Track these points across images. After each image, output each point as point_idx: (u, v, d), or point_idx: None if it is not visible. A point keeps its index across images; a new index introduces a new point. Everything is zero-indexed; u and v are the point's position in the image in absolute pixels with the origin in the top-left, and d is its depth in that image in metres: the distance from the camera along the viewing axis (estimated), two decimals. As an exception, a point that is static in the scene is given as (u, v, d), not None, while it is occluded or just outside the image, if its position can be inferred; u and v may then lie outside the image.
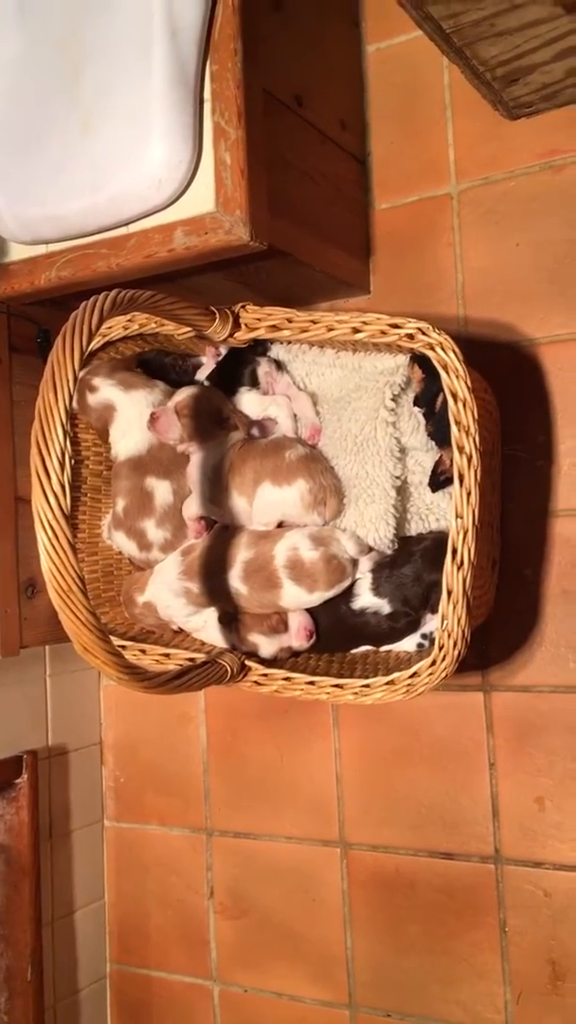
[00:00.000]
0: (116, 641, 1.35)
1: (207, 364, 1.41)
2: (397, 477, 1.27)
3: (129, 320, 1.34)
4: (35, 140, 1.26)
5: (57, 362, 0.97)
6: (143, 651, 1.34)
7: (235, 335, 1.25)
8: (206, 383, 1.38)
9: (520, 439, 1.41)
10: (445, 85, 1.46)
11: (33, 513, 0.95)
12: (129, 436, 1.39)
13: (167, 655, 1.33)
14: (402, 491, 1.29)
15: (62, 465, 0.95)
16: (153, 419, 1.33)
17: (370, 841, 1.50)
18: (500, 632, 1.41)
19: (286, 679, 1.24)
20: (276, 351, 1.35)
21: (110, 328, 1.36)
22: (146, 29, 1.15)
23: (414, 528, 1.31)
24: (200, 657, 1.28)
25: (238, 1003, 1.61)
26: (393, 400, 1.26)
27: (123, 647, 1.35)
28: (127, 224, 1.24)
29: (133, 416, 1.38)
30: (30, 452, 0.96)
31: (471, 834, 1.42)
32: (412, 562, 1.25)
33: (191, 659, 1.30)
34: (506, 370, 1.41)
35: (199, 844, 1.65)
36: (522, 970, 1.38)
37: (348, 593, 1.28)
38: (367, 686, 1.18)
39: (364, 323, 1.17)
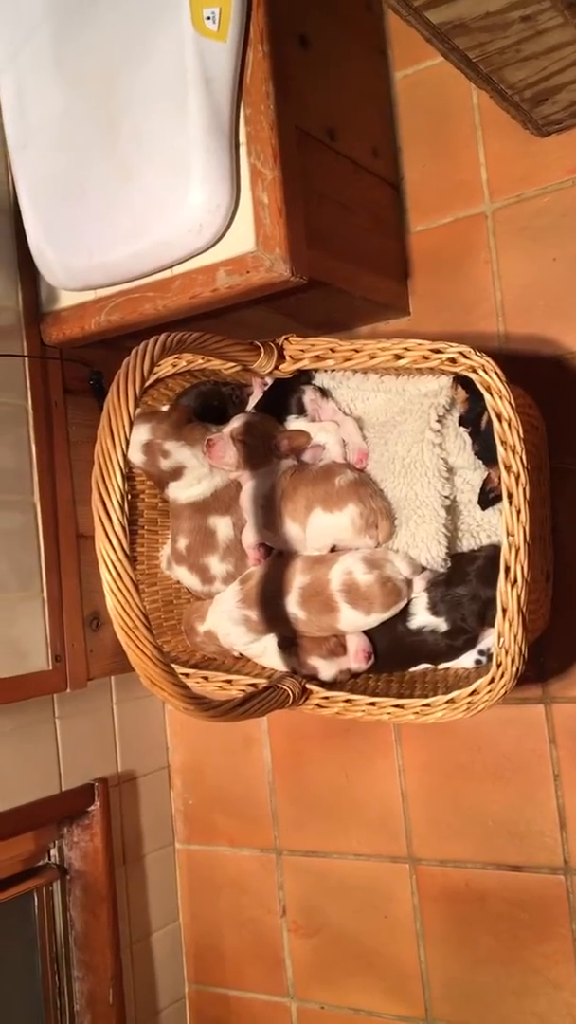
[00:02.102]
0: (179, 669, 1.39)
1: (255, 394, 1.45)
2: (446, 496, 1.28)
3: (177, 358, 1.38)
4: (78, 191, 1.31)
5: (113, 408, 1.01)
6: (206, 678, 1.38)
7: (280, 367, 1.28)
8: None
9: (567, 451, 1.42)
10: (474, 106, 1.48)
11: (97, 554, 0.99)
12: (197, 486, 1.42)
13: (229, 681, 1.36)
14: (452, 510, 1.30)
15: (122, 507, 0.99)
16: (209, 445, 1.36)
17: (438, 856, 1.52)
18: (558, 644, 1.42)
19: (347, 701, 1.26)
20: (320, 379, 1.38)
21: (159, 366, 1.40)
22: (180, 79, 1.20)
23: (466, 545, 1.33)
24: (262, 682, 1.31)
25: (316, 1020, 1.63)
26: (438, 421, 1.28)
27: (186, 675, 1.38)
28: (171, 267, 1.28)
29: (204, 471, 1.41)
30: (91, 496, 1.00)
31: (539, 846, 1.43)
32: (467, 582, 1.27)
33: (253, 684, 1.33)
34: (550, 384, 1.42)
35: (269, 864, 1.68)
36: (598, 981, 1.39)
37: (404, 613, 1.30)
38: (427, 705, 1.20)
39: (406, 349, 1.20)
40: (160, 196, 1.23)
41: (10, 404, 1.41)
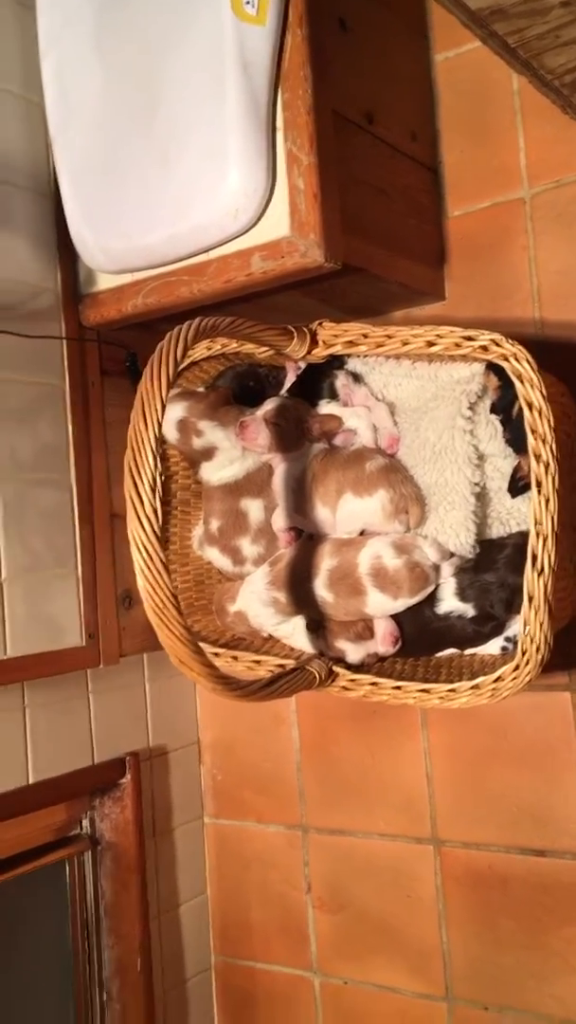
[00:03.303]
0: (209, 648, 1.41)
1: (290, 377, 1.46)
2: (476, 484, 1.29)
3: (212, 341, 1.39)
4: (117, 174, 1.32)
5: (146, 392, 1.03)
6: (235, 658, 1.40)
7: (313, 352, 1.29)
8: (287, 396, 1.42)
9: (600, 440, 1.41)
10: (514, 91, 1.47)
11: (129, 536, 1.02)
12: (228, 468, 1.44)
13: (258, 662, 1.38)
14: (482, 497, 1.31)
15: (153, 490, 1.01)
16: (242, 427, 1.37)
17: (462, 839, 1.53)
18: (586, 632, 1.42)
19: (373, 684, 1.28)
20: (353, 364, 1.39)
21: (194, 349, 1.42)
22: (218, 64, 1.20)
23: (495, 532, 1.33)
24: (289, 663, 1.33)
25: (339, 994, 1.66)
26: (470, 408, 1.28)
27: (216, 654, 1.40)
28: (207, 251, 1.29)
29: (236, 453, 1.43)
30: (124, 478, 1.02)
31: (563, 832, 1.44)
32: (495, 569, 1.27)
33: (281, 665, 1.35)
34: (584, 371, 1.42)
35: (296, 840, 1.70)
36: (618, 966, 1.40)
37: (432, 598, 1.31)
38: (453, 690, 1.21)
39: (439, 336, 1.20)
40: (197, 180, 1.24)
41: (48, 384, 1.44)
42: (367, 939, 1.63)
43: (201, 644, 1.41)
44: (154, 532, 1.01)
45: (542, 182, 1.46)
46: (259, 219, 1.24)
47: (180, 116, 1.26)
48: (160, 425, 1.02)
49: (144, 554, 1.02)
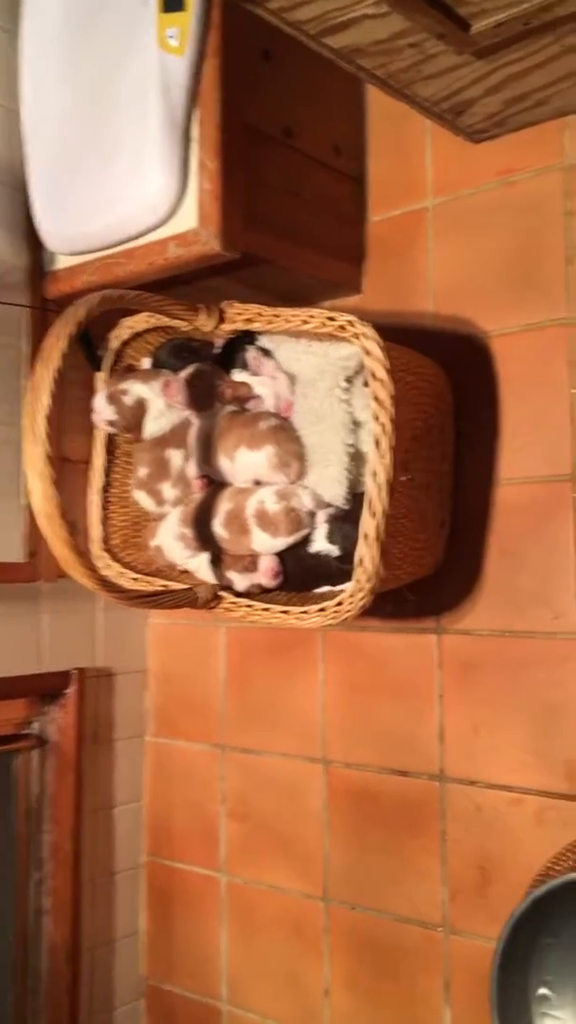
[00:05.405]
0: (132, 575, 1.67)
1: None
2: (350, 445, 1.52)
3: (150, 315, 1.66)
4: (71, 173, 1.60)
5: (48, 344, 1.30)
6: (149, 583, 1.66)
7: (220, 327, 1.54)
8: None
9: (473, 413, 1.63)
10: (425, 113, 1.69)
11: (24, 457, 1.28)
12: (159, 420, 1.70)
13: (165, 586, 1.63)
14: (357, 457, 1.53)
15: (47, 420, 1.27)
16: (165, 385, 1.63)
17: (345, 759, 1.76)
18: (452, 584, 1.64)
19: (248, 606, 1.52)
20: (263, 340, 1.63)
21: (136, 322, 1.69)
22: (145, 85, 1.47)
23: (369, 489, 1.56)
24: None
25: (240, 893, 1.91)
26: (346, 381, 1.52)
27: (135, 579, 1.66)
28: (135, 239, 1.55)
29: (162, 407, 1.68)
30: (24, 409, 1.29)
31: (421, 756, 1.66)
32: (359, 519, 1.50)
33: (183, 590, 1.60)
34: (465, 358, 1.64)
35: (215, 757, 1.95)
36: (457, 873, 1.61)
37: (308, 539, 1.54)
38: (305, 612, 1.45)
39: (311, 316, 1.44)
40: (126, 179, 1.51)
41: (13, 346, 1.72)
42: (265, 845, 1.87)
43: (126, 571, 1.69)
44: (45, 453, 1.28)
45: (443, 195, 1.68)
46: (174, 213, 1.49)
47: (118, 127, 1.53)
48: (59, 371, 1.29)
49: (36, 471, 1.28)
